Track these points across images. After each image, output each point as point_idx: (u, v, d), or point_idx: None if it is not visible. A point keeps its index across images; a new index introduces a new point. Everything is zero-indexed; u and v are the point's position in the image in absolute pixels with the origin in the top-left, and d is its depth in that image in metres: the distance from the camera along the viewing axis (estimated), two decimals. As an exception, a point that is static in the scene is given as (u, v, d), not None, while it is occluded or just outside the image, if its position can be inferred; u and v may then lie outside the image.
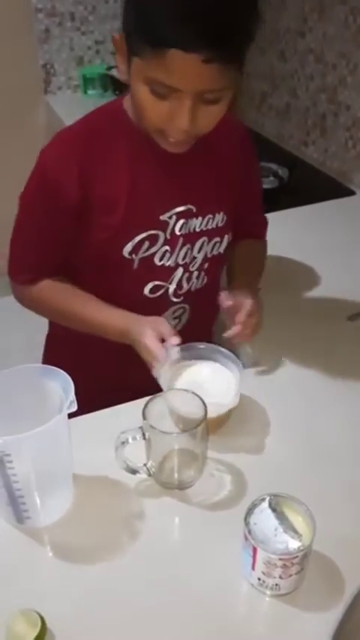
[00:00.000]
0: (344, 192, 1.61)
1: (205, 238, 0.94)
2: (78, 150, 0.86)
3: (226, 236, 0.97)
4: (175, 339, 0.82)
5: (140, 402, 0.78)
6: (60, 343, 1.11)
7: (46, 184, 0.87)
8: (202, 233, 0.94)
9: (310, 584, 0.66)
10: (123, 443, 0.72)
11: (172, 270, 0.93)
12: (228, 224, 0.97)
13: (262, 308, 0.92)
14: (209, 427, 0.76)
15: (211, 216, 0.94)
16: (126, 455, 0.74)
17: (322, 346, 1.02)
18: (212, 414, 0.76)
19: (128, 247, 0.88)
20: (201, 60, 0.68)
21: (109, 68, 2.28)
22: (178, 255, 0.93)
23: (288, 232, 1.39)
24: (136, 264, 0.90)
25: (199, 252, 0.95)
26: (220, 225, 0.95)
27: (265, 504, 0.66)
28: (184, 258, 0.94)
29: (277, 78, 1.90)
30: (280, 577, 0.63)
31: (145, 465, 0.75)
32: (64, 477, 0.74)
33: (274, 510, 0.65)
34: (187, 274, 0.95)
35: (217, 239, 0.96)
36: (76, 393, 0.65)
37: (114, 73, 2.19)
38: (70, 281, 0.96)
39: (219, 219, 0.95)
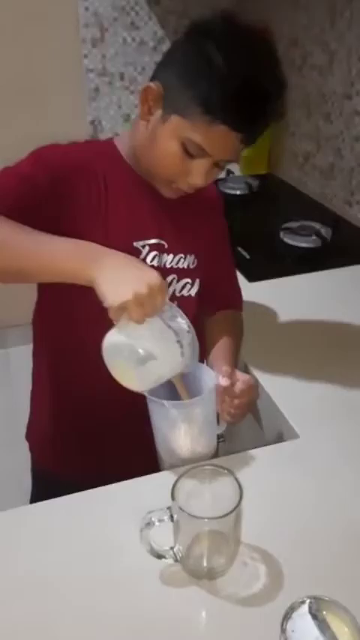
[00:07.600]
0: (390, 253, 1.55)
1: (174, 276, 0.94)
2: (79, 160, 0.88)
3: (197, 280, 0.97)
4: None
5: (168, 474, 0.72)
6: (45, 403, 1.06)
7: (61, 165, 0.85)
8: (172, 270, 0.94)
9: None
10: (148, 524, 0.66)
11: None
12: (199, 269, 0.97)
13: (255, 386, 0.89)
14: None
15: (182, 255, 0.95)
16: (151, 536, 0.67)
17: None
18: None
19: None
20: (239, 138, 0.79)
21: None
22: None
23: (331, 293, 1.34)
24: None
25: (167, 288, 0.91)
26: (191, 267, 0.96)
27: (305, 609, 0.58)
28: None
29: (322, 139, 1.89)
30: None
31: (171, 548, 0.69)
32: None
33: (314, 617, 0.57)
34: None
35: (188, 280, 0.96)
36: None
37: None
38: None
39: (190, 260, 0.96)
